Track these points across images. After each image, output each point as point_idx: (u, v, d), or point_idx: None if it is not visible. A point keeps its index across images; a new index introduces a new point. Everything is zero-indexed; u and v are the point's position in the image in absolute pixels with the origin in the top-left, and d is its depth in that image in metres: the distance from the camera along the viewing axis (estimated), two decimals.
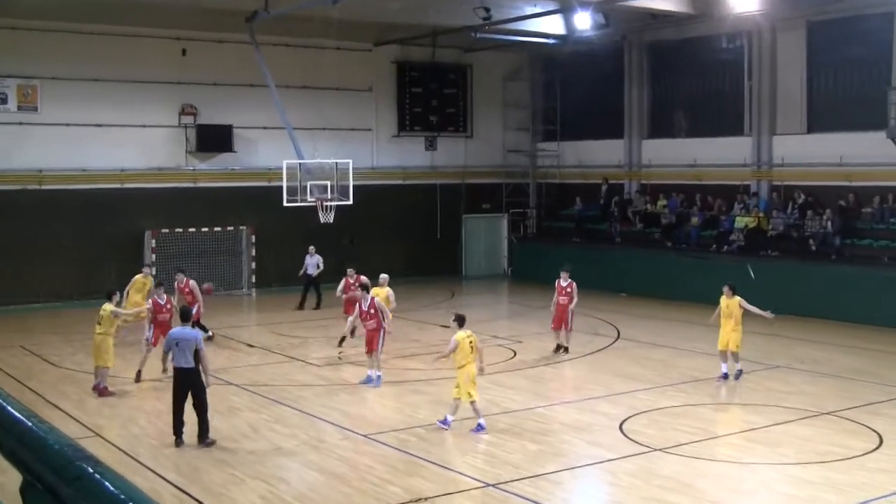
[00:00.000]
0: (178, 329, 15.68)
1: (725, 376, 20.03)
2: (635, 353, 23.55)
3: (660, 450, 15.02)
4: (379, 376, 19.88)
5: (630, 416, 17.14)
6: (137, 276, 25.23)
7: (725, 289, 20.38)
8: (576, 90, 39.68)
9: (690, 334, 25.76)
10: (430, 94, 38.39)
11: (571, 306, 22.76)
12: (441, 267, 37.74)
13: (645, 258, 33.12)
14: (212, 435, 15.41)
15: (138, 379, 19.83)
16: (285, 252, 34.51)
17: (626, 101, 37.42)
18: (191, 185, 33.66)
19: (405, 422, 16.95)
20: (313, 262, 30.13)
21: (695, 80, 35.38)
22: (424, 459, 14.60)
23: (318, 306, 30.16)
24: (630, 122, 37.29)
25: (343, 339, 23.37)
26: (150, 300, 21.27)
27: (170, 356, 15.46)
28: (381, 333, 19.97)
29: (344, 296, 23.60)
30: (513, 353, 23.14)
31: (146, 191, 32.71)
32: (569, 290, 22.29)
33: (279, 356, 23.18)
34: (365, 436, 15.98)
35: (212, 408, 17.31)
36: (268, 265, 35.04)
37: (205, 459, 14.66)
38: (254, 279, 34.52)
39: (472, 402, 16.03)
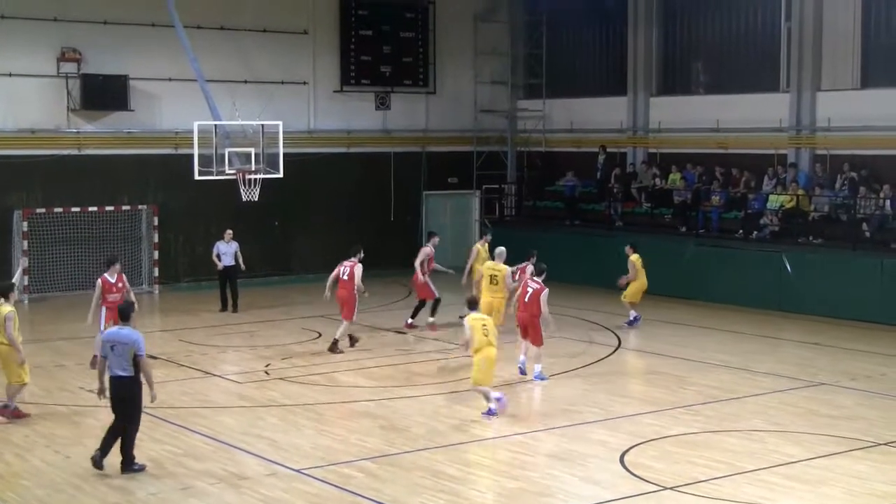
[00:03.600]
0: (113, 329, 15.95)
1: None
2: (640, 366, 23.57)
3: (671, 488, 15.06)
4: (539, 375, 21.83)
5: (633, 446, 17.15)
6: (477, 246, 28.05)
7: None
8: (567, 34, 39.63)
9: (710, 343, 25.87)
10: (383, 39, 38.20)
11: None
12: (395, 257, 37.50)
13: (653, 247, 33.01)
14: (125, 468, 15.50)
15: (94, 364, 21.17)
16: (197, 238, 34.27)
17: (630, 48, 37.44)
18: (74, 152, 33.30)
19: (350, 452, 16.88)
20: (231, 251, 29.97)
21: (718, 21, 35.43)
22: (372, 500, 14.56)
23: (235, 307, 30.03)
24: (635, 74, 37.32)
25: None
26: (99, 279, 22.48)
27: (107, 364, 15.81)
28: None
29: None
30: None
31: (15, 159, 32.27)
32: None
33: (189, 370, 23.03)
34: (298, 471, 15.92)
35: (102, 437, 17.21)
36: (175, 254, 34.80)
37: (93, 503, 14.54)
38: (157, 272, 34.30)
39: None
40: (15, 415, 18.67)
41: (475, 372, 18.78)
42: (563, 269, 34.64)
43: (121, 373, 15.57)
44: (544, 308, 21.36)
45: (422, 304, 27.53)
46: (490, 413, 18.74)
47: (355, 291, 24.29)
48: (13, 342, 18.38)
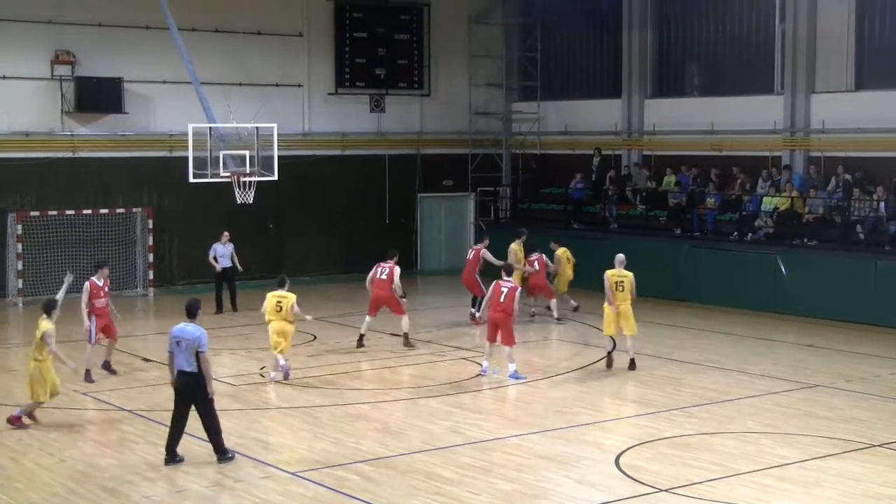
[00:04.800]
0: (179, 326, 16.36)
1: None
2: (635, 368, 23.58)
3: (666, 490, 15.07)
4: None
5: (629, 448, 17.17)
6: (513, 246, 29.37)
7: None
8: (562, 36, 39.65)
9: (705, 345, 25.87)
10: (377, 41, 38.24)
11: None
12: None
13: (647, 248, 33.16)
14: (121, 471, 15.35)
15: (88, 378, 21.68)
16: (191, 241, 34.24)
17: (624, 50, 37.48)
18: (68, 154, 33.33)
19: (345, 455, 16.89)
20: (227, 253, 30.05)
21: (712, 24, 35.47)
22: (366, 503, 14.58)
23: (234, 307, 30.16)
24: (630, 76, 37.36)
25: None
26: (87, 282, 22.48)
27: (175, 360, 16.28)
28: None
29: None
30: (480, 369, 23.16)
31: (9, 162, 32.31)
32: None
33: None
34: (293, 473, 15.92)
35: (96, 440, 17.19)
36: (169, 257, 34.80)
37: None
38: (151, 275, 34.29)
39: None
40: (19, 425, 18.52)
41: (271, 339, 21.57)
42: None
43: (186, 368, 16.05)
44: (515, 305, 22.39)
45: (475, 299, 28.86)
46: (272, 379, 21.76)
47: (393, 290, 25.36)
48: (57, 356, 18.57)
